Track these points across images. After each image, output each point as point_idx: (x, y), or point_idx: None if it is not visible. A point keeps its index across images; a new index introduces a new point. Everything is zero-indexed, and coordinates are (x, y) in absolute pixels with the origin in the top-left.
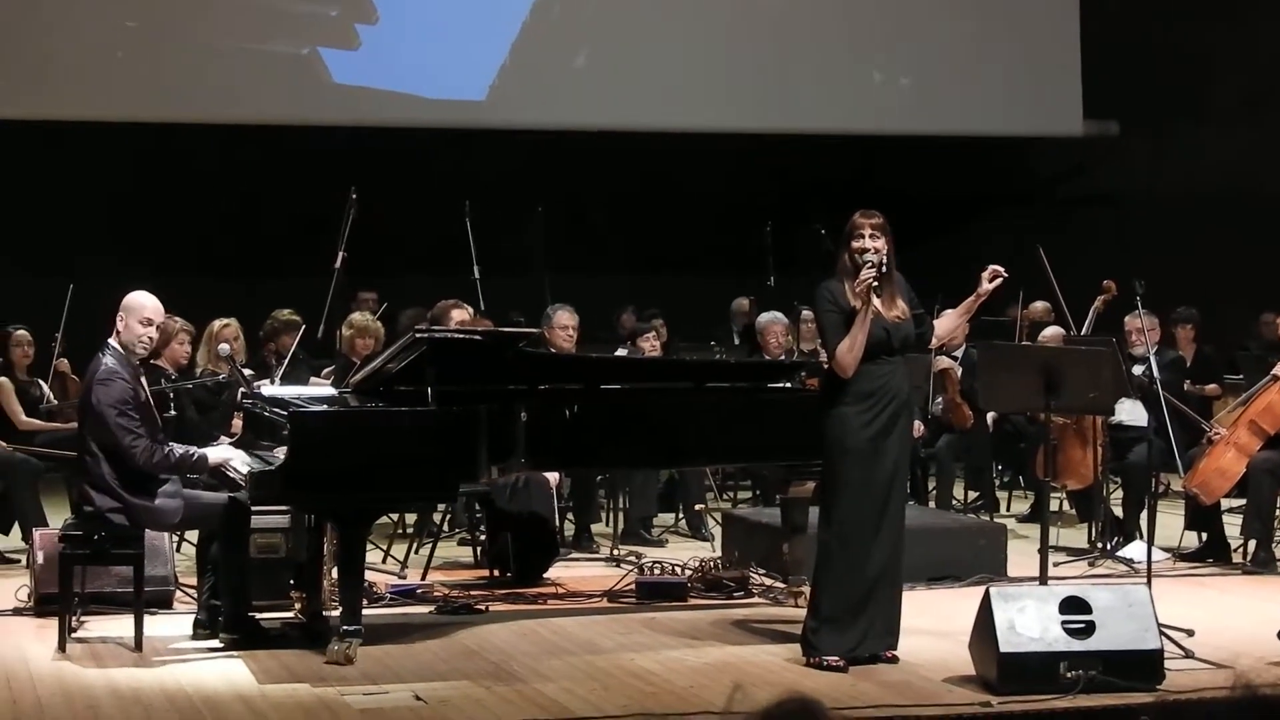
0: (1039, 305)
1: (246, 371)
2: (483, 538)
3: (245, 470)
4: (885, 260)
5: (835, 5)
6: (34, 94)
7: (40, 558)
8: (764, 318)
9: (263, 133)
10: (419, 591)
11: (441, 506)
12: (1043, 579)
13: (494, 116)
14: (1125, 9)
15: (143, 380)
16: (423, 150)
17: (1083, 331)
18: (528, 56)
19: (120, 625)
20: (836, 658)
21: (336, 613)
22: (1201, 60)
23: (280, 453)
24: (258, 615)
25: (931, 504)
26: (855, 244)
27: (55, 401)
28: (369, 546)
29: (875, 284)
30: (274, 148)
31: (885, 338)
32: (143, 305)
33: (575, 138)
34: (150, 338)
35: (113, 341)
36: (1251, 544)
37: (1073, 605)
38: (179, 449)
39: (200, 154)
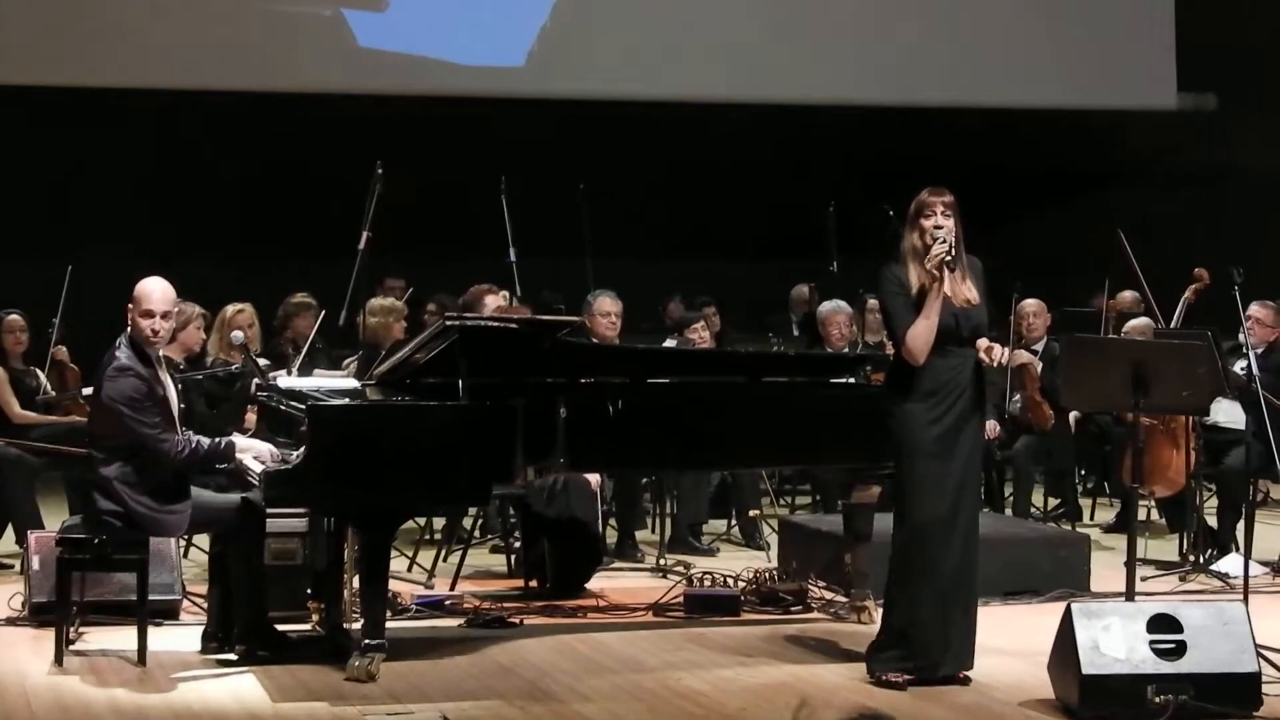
0: (1127, 295)
1: (261, 361)
2: (517, 545)
3: (261, 468)
4: (956, 240)
5: None
6: (35, 59)
7: (36, 563)
8: (826, 307)
9: (280, 101)
10: (448, 603)
11: (473, 510)
12: (1129, 594)
13: (533, 85)
14: None
15: (162, 375)
16: (455, 121)
17: (1172, 324)
18: (570, 19)
19: (122, 637)
20: (898, 675)
21: (358, 625)
22: None
23: (298, 450)
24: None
25: (1008, 512)
26: (926, 223)
27: (53, 393)
28: (393, 553)
29: (949, 259)
30: (293, 117)
31: (954, 325)
32: (145, 295)
33: (621, 108)
34: (154, 330)
35: (128, 333)
36: None
37: (1162, 623)
38: (206, 440)
39: (212, 124)
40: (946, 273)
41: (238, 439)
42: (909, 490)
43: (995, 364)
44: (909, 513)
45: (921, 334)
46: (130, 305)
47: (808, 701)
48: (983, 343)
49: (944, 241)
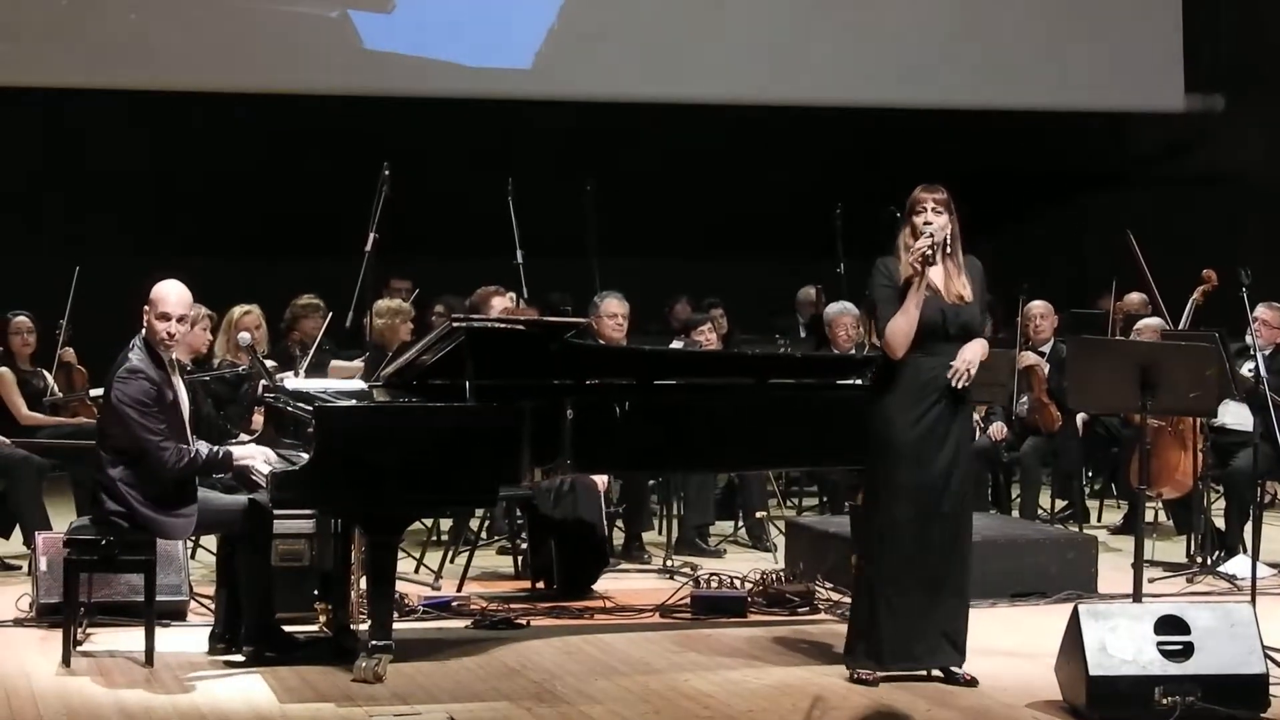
0: (1134, 297)
1: (269, 363)
2: (524, 546)
3: (268, 470)
4: (947, 236)
5: None
6: (37, 59)
7: (43, 564)
8: (833, 308)
9: (287, 103)
10: (454, 604)
11: (480, 512)
12: (1137, 596)
13: (541, 86)
14: None
15: (175, 380)
16: (462, 123)
17: (1179, 326)
18: (578, 20)
19: (130, 638)
20: (869, 672)
21: (365, 626)
22: None
23: (305, 452)
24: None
25: (1015, 513)
26: (917, 219)
27: (60, 394)
28: (400, 555)
29: (931, 253)
30: (299, 118)
31: (940, 321)
32: (162, 298)
33: (628, 110)
34: (169, 333)
35: (142, 336)
36: None
37: (1169, 625)
38: (205, 449)
39: (218, 125)
40: (929, 267)
41: (235, 447)
42: (880, 490)
43: (956, 384)
44: (878, 511)
45: (900, 328)
46: (146, 307)
47: (821, 701)
48: (967, 352)
49: (928, 236)
